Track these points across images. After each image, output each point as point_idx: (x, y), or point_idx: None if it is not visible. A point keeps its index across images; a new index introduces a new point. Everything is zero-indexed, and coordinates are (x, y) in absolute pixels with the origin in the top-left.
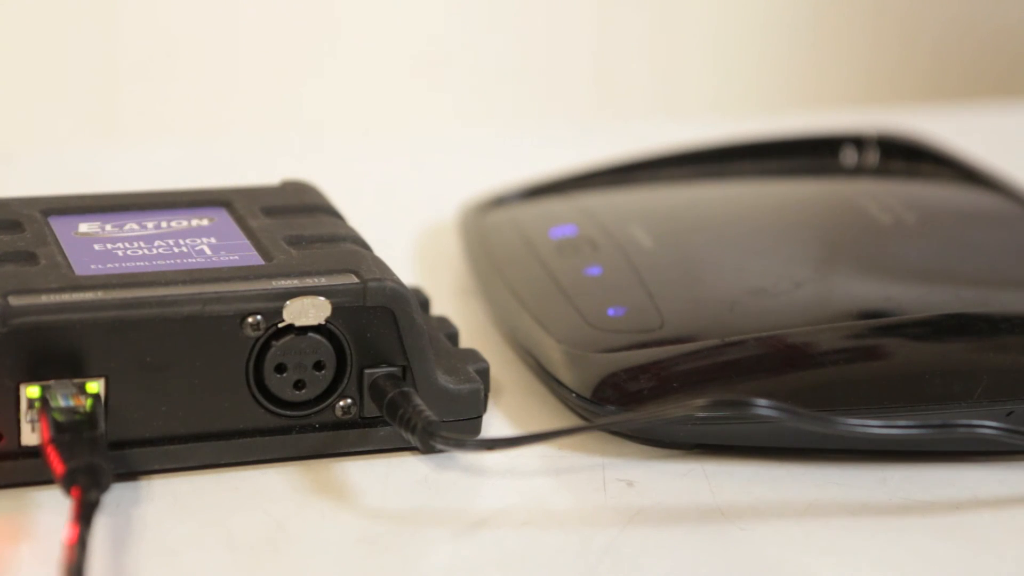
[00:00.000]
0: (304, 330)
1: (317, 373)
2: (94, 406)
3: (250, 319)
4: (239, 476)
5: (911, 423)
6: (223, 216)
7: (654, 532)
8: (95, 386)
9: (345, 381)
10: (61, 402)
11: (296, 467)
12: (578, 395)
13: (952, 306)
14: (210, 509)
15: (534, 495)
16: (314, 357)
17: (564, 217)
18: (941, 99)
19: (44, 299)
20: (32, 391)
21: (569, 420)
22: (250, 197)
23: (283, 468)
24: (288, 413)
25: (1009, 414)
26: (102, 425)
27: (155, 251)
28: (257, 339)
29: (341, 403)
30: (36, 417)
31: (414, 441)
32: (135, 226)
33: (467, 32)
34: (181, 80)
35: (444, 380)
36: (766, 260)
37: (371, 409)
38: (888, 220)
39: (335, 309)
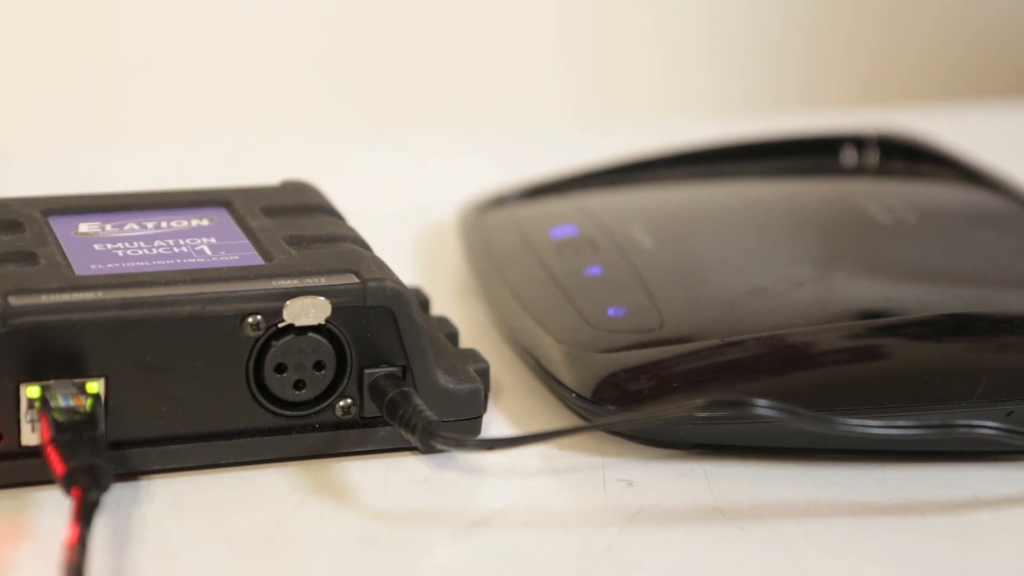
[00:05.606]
0: (304, 330)
1: (317, 373)
2: (94, 406)
3: (250, 319)
4: (239, 476)
5: (911, 423)
6: (223, 216)
7: (654, 532)
8: (95, 386)
9: (345, 381)
10: (61, 402)
11: (296, 467)
12: (578, 395)
13: (952, 306)
14: (210, 509)
15: (534, 495)
16: (314, 357)
17: (564, 217)
18: (941, 99)
19: (44, 299)
20: (32, 391)
21: (569, 420)
22: (250, 197)
23: (283, 468)
24: (288, 413)
25: (1009, 414)
26: (102, 425)
27: (155, 251)
28: (257, 339)
29: (341, 403)
30: (36, 417)
31: (414, 441)
32: (135, 226)
33: (467, 31)
34: (181, 80)
35: (444, 380)
36: (766, 260)
37: (371, 409)
38: (888, 220)
39: (335, 309)
